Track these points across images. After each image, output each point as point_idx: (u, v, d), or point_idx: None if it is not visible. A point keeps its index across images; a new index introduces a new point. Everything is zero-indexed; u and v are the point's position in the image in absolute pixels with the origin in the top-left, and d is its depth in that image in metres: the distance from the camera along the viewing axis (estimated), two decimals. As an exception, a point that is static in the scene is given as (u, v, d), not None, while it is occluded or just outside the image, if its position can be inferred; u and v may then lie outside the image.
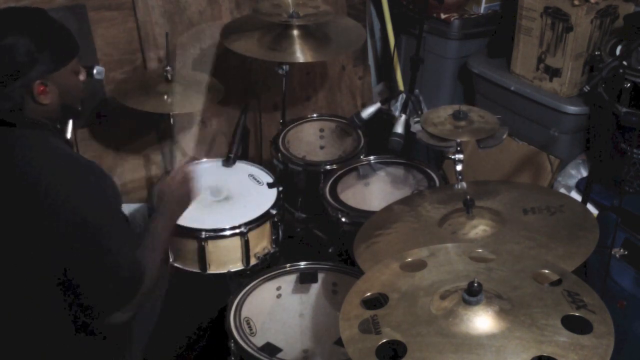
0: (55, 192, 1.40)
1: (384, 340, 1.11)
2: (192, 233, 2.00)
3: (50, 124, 1.51)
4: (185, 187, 1.70)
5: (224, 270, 2.06)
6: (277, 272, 1.89)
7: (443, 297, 1.18)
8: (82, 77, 1.59)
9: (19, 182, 1.41)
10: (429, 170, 2.26)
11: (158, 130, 2.80)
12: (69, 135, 1.91)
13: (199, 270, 2.05)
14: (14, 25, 1.44)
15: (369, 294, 1.23)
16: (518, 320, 1.11)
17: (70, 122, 1.93)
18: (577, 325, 1.11)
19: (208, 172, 2.31)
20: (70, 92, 1.53)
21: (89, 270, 1.42)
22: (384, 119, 2.83)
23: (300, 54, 2.36)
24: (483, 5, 2.98)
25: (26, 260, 1.43)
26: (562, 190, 2.58)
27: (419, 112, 2.61)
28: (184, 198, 1.69)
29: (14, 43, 1.41)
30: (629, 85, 2.19)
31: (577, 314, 1.13)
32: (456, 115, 1.87)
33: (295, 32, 2.39)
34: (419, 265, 1.30)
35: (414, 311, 1.16)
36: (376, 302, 1.22)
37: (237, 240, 2.04)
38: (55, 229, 1.39)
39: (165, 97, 2.38)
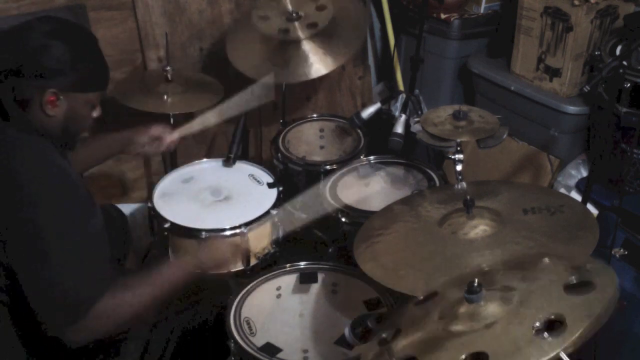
0: (28, 200, 1.40)
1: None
2: (192, 233, 2.00)
3: (51, 138, 1.51)
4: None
5: (224, 270, 2.06)
6: (277, 272, 1.89)
7: (445, 302, 1.18)
8: (95, 113, 1.59)
9: (7, 186, 1.42)
10: (429, 170, 2.26)
11: (158, 130, 2.80)
12: None
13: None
14: (65, 34, 1.48)
15: (384, 335, 1.21)
16: (521, 301, 1.11)
17: None
18: (581, 290, 1.10)
19: (208, 172, 2.31)
20: (76, 119, 1.54)
21: (28, 285, 1.41)
22: (384, 119, 2.83)
23: (310, 69, 2.36)
24: (483, 5, 2.98)
25: None
26: (562, 190, 2.58)
27: (419, 112, 2.61)
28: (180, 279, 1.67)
29: (54, 47, 1.44)
30: (629, 85, 2.19)
31: (578, 280, 1.12)
32: (456, 115, 1.87)
33: (300, 43, 2.39)
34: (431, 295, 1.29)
35: (424, 330, 1.16)
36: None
37: (237, 240, 2.04)
38: (11, 231, 1.40)
39: (165, 97, 2.38)
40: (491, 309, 1.11)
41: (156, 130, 2.04)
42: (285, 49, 2.39)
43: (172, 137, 2.05)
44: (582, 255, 1.23)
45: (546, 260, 1.23)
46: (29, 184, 1.41)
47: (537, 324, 1.03)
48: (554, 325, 1.04)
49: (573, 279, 1.12)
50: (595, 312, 1.02)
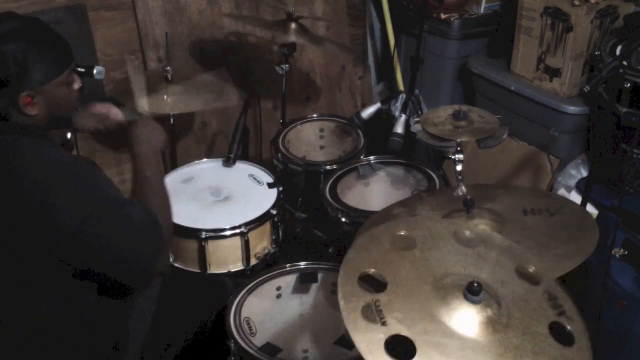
0: (50, 200, 1.39)
1: (392, 334, 1.10)
2: (192, 233, 2.00)
3: (39, 131, 1.50)
4: (157, 133, 1.70)
5: (224, 270, 2.07)
6: (277, 272, 1.89)
7: (442, 292, 1.18)
8: (76, 85, 1.55)
9: (12, 188, 1.41)
10: (429, 171, 2.26)
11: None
12: (69, 134, 1.91)
13: (199, 270, 2.04)
14: (6, 33, 1.40)
15: (368, 270, 1.21)
16: (513, 325, 1.12)
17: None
18: (562, 332, 1.14)
19: (208, 172, 2.31)
20: (59, 104, 1.51)
21: (107, 264, 1.44)
22: (384, 119, 2.83)
23: (292, 36, 2.39)
24: (483, 5, 2.98)
25: (31, 262, 1.44)
26: (562, 190, 2.58)
27: (419, 112, 2.61)
28: (158, 142, 1.69)
29: (8, 51, 1.38)
30: (629, 85, 2.19)
31: (559, 322, 1.15)
32: (456, 115, 1.86)
33: (293, 26, 2.41)
34: (409, 243, 1.28)
35: (414, 302, 1.15)
36: (371, 280, 1.21)
37: (237, 240, 2.04)
38: (56, 236, 1.40)
39: (165, 97, 2.38)
40: (484, 322, 1.12)
41: (101, 108, 1.91)
42: (277, 25, 2.46)
43: (117, 115, 1.91)
44: (558, 275, 1.25)
45: (532, 268, 1.25)
46: (45, 185, 1.40)
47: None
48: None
49: (557, 319, 1.14)
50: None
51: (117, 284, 1.49)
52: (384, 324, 1.11)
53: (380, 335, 1.09)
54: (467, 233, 1.33)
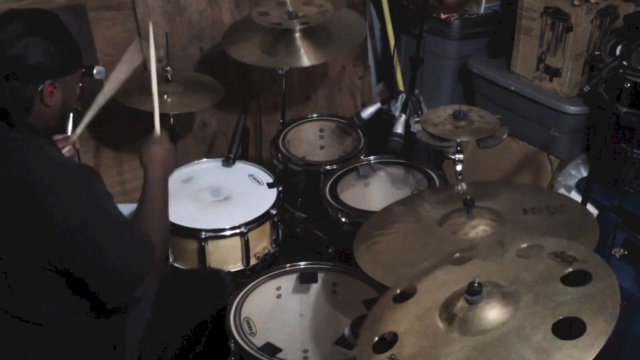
0: (50, 200, 1.40)
1: None
2: (192, 233, 2.00)
3: (46, 132, 1.53)
4: (168, 153, 1.71)
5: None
6: (277, 272, 1.89)
7: (446, 309, 1.18)
8: (78, 90, 1.60)
9: (15, 186, 1.41)
10: (429, 170, 2.26)
11: (158, 130, 2.80)
12: (69, 132, 1.91)
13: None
14: (32, 25, 1.46)
15: (376, 338, 1.21)
16: (524, 300, 1.11)
17: (71, 120, 1.93)
18: (577, 280, 1.12)
19: (208, 172, 2.31)
20: (69, 99, 1.55)
21: (93, 271, 1.44)
22: (384, 119, 2.83)
23: (302, 58, 2.36)
24: (483, 5, 2.98)
25: (26, 260, 1.44)
26: (562, 190, 2.58)
27: (419, 112, 2.61)
28: (169, 162, 1.70)
29: (34, 42, 1.43)
30: (629, 85, 2.19)
31: (570, 271, 1.13)
32: (456, 115, 1.87)
33: (297, 35, 2.39)
34: (410, 292, 1.29)
35: (427, 334, 1.15)
36: (384, 342, 1.21)
37: (237, 240, 2.04)
38: (52, 236, 1.41)
39: (165, 97, 2.38)
40: (494, 313, 1.12)
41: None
42: (279, 41, 2.42)
43: (73, 138, 1.94)
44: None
45: (524, 245, 1.24)
46: (47, 185, 1.41)
47: (554, 325, 1.03)
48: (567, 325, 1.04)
49: (569, 269, 1.13)
50: (605, 305, 1.05)
51: (89, 295, 1.48)
52: None
53: None
54: (457, 255, 1.35)
